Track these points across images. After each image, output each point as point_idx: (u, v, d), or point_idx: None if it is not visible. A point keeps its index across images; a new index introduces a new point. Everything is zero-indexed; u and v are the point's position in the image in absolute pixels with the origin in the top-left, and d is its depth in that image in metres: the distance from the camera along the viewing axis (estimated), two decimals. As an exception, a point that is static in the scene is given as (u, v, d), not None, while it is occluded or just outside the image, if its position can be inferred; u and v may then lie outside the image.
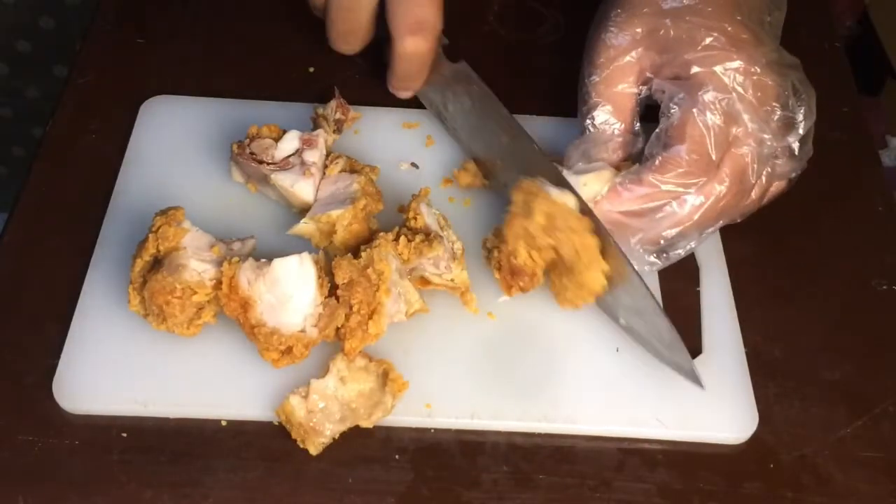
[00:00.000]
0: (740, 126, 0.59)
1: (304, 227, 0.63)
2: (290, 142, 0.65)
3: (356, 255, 0.58)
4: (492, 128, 0.66)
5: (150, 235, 0.58)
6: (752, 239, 0.68)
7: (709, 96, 0.59)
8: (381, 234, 0.59)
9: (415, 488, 0.55)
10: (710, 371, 0.60)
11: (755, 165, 0.60)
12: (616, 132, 0.63)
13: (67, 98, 0.73)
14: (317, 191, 0.64)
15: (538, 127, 0.72)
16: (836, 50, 0.82)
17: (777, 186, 0.64)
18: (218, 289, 0.56)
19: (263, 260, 0.57)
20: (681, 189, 0.59)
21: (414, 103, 0.73)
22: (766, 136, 0.59)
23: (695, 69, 0.60)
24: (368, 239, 0.61)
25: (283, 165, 0.64)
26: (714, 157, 0.59)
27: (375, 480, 0.55)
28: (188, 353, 0.59)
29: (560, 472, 0.56)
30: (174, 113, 0.72)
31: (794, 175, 0.63)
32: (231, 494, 0.54)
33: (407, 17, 0.64)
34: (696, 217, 0.60)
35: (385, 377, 0.57)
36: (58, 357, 0.58)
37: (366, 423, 0.56)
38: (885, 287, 0.67)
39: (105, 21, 0.79)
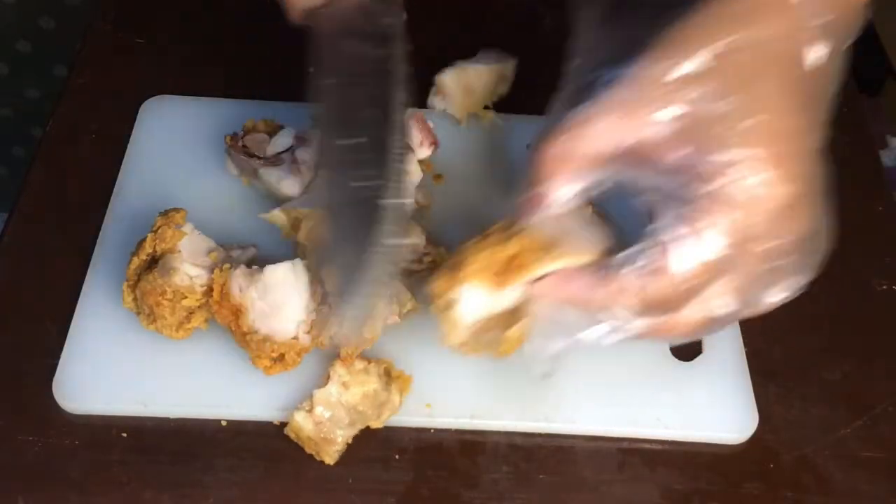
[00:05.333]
0: (725, 278, 0.46)
1: (276, 215, 0.63)
2: (284, 138, 0.65)
3: None
4: None
5: (150, 235, 0.58)
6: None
7: (708, 242, 0.44)
8: None
9: (415, 488, 0.55)
10: (710, 371, 0.60)
11: (712, 324, 0.48)
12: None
13: (67, 98, 0.73)
14: (306, 187, 0.64)
15: (538, 127, 0.72)
16: (836, 50, 0.82)
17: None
18: (209, 296, 0.56)
19: (255, 267, 0.57)
20: (632, 305, 0.47)
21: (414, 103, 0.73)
22: (747, 295, 0.47)
23: (708, 187, 0.44)
24: None
25: (274, 161, 0.64)
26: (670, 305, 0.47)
27: (375, 480, 0.55)
28: (188, 354, 0.59)
29: (560, 471, 0.56)
30: (174, 113, 0.72)
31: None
32: (231, 494, 0.54)
33: None
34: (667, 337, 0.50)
35: (387, 375, 0.57)
36: (58, 357, 0.58)
37: (375, 424, 0.56)
38: (885, 287, 0.67)
39: (105, 21, 0.79)
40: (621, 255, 0.47)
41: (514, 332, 0.51)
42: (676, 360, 0.60)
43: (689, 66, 0.43)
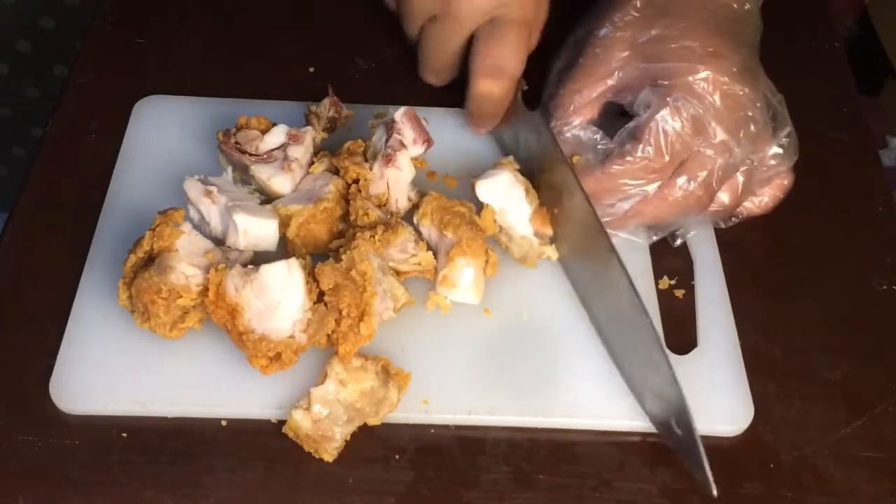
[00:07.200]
0: (708, 134, 0.60)
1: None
2: (277, 136, 0.65)
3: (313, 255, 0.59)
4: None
5: (148, 233, 0.58)
6: (752, 239, 0.68)
7: (675, 102, 0.60)
8: (359, 234, 0.59)
9: (415, 488, 0.55)
10: (704, 364, 0.60)
11: (719, 173, 0.61)
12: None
13: (67, 98, 0.73)
14: (297, 185, 0.64)
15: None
16: (836, 50, 0.82)
17: (777, 189, 0.65)
18: (204, 295, 0.56)
19: (251, 266, 0.57)
20: (631, 185, 0.61)
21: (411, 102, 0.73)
22: (734, 146, 0.61)
23: (666, 80, 0.61)
24: (329, 241, 0.61)
25: (266, 158, 0.64)
26: (669, 158, 0.61)
27: (375, 480, 0.55)
28: (187, 353, 0.59)
29: (560, 471, 0.56)
30: (170, 112, 0.72)
31: (784, 177, 0.65)
32: (231, 494, 0.54)
33: (486, 59, 0.65)
34: (649, 213, 0.62)
35: (385, 373, 0.57)
36: (57, 357, 0.58)
37: (374, 421, 0.56)
38: (885, 287, 0.67)
39: (105, 21, 0.79)
40: (615, 137, 0.63)
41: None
42: (672, 353, 0.60)
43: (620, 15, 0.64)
